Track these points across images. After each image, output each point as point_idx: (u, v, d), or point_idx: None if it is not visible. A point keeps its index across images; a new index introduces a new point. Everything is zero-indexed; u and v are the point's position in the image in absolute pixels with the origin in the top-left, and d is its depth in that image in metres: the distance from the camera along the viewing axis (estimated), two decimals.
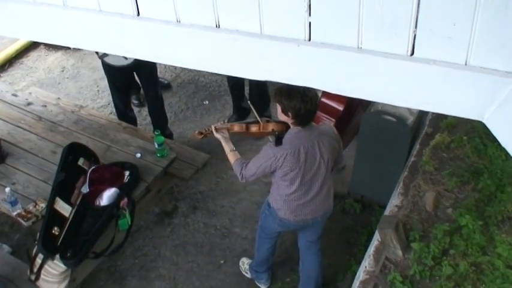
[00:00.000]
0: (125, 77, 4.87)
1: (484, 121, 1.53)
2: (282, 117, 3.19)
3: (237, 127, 3.51)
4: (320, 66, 1.65)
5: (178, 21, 1.78)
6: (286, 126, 3.26)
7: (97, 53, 4.53)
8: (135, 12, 1.83)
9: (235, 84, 5.23)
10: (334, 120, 4.21)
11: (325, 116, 4.21)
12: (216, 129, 3.48)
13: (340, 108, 4.26)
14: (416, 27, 1.49)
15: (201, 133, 3.61)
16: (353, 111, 4.40)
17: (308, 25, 1.61)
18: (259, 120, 3.44)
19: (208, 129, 3.55)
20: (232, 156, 3.45)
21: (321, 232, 3.70)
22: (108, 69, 4.81)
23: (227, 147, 3.47)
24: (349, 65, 1.60)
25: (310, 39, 1.63)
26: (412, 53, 1.53)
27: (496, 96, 1.48)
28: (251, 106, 3.65)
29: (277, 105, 3.18)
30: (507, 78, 1.44)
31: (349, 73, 1.62)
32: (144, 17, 1.83)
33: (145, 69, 4.74)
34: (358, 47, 1.58)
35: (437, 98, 1.56)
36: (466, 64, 1.49)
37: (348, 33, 1.57)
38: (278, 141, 3.19)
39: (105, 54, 4.44)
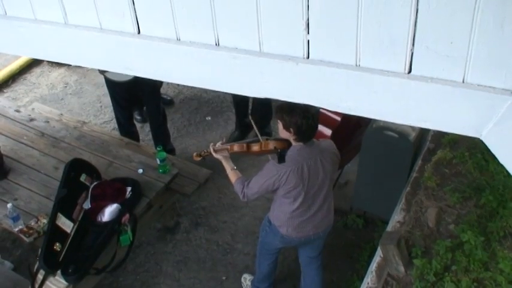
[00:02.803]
0: (127, 92, 4.89)
1: (482, 138, 1.54)
2: (284, 133, 3.19)
3: (237, 147, 3.45)
4: (318, 84, 1.66)
5: (178, 39, 1.80)
6: (288, 144, 3.25)
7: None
8: (136, 30, 1.85)
9: (241, 100, 5.24)
10: (331, 131, 4.19)
11: (323, 126, 4.17)
12: (215, 151, 3.46)
13: (338, 118, 4.24)
14: (413, 45, 1.50)
15: (199, 155, 3.57)
16: (352, 126, 4.38)
17: (307, 43, 1.62)
18: (260, 138, 3.41)
19: (207, 151, 3.52)
20: (233, 175, 3.43)
21: (322, 247, 3.69)
22: (110, 84, 4.85)
23: (228, 166, 3.45)
24: (347, 82, 1.61)
25: (308, 57, 1.64)
26: (410, 71, 1.54)
27: (493, 113, 1.48)
28: (253, 124, 3.62)
29: (279, 121, 3.17)
30: (504, 95, 1.45)
31: (347, 90, 1.63)
32: (144, 35, 1.85)
33: (147, 84, 4.76)
34: (356, 65, 1.59)
35: (435, 115, 1.56)
36: (463, 81, 1.50)
37: (346, 51, 1.58)
38: (281, 159, 3.18)
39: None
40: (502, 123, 1.47)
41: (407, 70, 1.54)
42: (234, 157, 3.55)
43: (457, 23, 1.42)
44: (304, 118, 3.05)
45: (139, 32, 1.85)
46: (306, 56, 1.64)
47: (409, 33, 1.48)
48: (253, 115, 5.24)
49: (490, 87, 1.46)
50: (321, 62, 1.63)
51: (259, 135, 3.42)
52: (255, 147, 3.41)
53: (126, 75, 4.38)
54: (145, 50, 1.86)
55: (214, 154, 3.45)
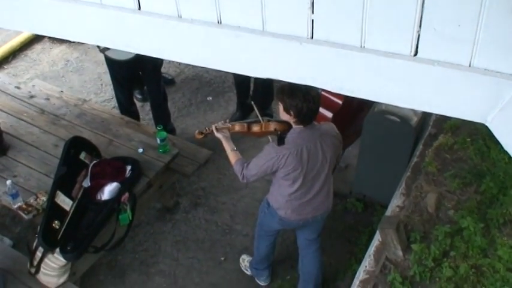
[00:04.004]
0: (127, 71, 4.85)
1: (487, 124, 1.51)
2: (284, 116, 3.16)
3: (238, 127, 3.45)
4: (322, 65, 1.63)
5: (180, 16, 1.76)
6: (288, 126, 3.22)
7: (98, 46, 4.51)
8: (136, 6, 1.82)
9: (243, 81, 5.21)
10: (331, 114, 4.15)
11: (324, 109, 4.14)
12: (217, 129, 3.44)
13: (339, 101, 4.20)
14: (420, 27, 1.47)
15: (201, 133, 3.57)
16: (354, 109, 4.35)
17: (311, 23, 1.59)
18: (261, 120, 3.40)
19: (209, 129, 3.51)
20: (233, 156, 3.41)
21: (320, 230, 3.69)
22: (110, 63, 4.80)
23: (228, 146, 3.43)
24: (351, 64, 1.59)
25: (312, 37, 1.61)
26: (416, 53, 1.51)
27: (499, 99, 1.46)
28: (254, 106, 3.60)
29: (279, 103, 3.15)
30: (511, 81, 1.42)
31: (351, 72, 1.60)
32: (145, 11, 1.81)
33: (148, 63, 4.72)
34: (361, 46, 1.56)
35: (440, 99, 1.54)
36: (470, 66, 1.47)
37: (351, 31, 1.55)
38: (280, 141, 3.16)
39: (107, 48, 4.41)
40: (507, 109, 1.45)
41: (413, 52, 1.51)
42: (235, 137, 3.53)
43: (466, 5, 1.39)
44: (305, 101, 3.02)
45: (139, 8, 1.82)
46: (310, 36, 1.61)
47: (416, 15, 1.45)
48: (254, 97, 5.22)
49: (497, 72, 1.44)
50: (325, 43, 1.60)
51: (260, 118, 3.41)
52: (256, 128, 3.40)
53: (127, 53, 4.38)
54: (145, 27, 1.83)
55: (215, 133, 3.44)
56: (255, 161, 3.27)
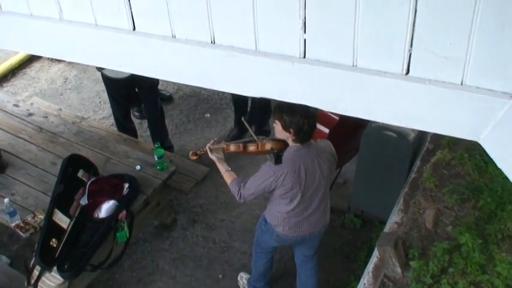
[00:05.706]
0: (124, 89, 4.87)
1: (479, 141, 1.51)
2: (282, 134, 3.13)
3: (233, 147, 3.44)
4: (315, 84, 1.64)
5: (174, 37, 1.77)
6: (285, 144, 3.20)
7: None
8: (131, 27, 1.83)
9: (240, 98, 5.22)
10: (328, 130, 4.15)
11: (321, 125, 4.13)
12: (211, 150, 3.44)
13: (336, 118, 4.20)
14: (411, 46, 1.48)
15: (195, 154, 3.57)
16: (353, 125, 4.35)
17: (303, 42, 1.60)
18: (256, 139, 3.38)
19: (203, 150, 3.51)
20: (228, 177, 3.40)
21: (317, 247, 3.67)
22: (107, 81, 4.83)
23: (222, 168, 3.43)
24: (344, 83, 1.59)
25: (305, 57, 1.62)
26: (408, 72, 1.52)
27: (492, 117, 1.46)
28: (246, 125, 3.59)
29: (277, 121, 3.12)
30: (503, 98, 1.43)
31: (343, 91, 1.61)
32: (139, 32, 1.82)
33: (144, 81, 4.74)
34: (353, 65, 1.57)
35: (432, 117, 1.54)
36: (461, 84, 1.48)
37: (343, 51, 1.56)
38: (278, 160, 3.14)
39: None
40: (500, 127, 1.45)
41: (404, 71, 1.52)
42: (233, 155, 3.52)
43: (456, 24, 1.40)
44: (305, 118, 3.00)
45: (134, 29, 1.83)
46: (302, 55, 1.62)
47: (407, 34, 1.46)
48: (251, 114, 5.23)
49: (489, 90, 1.44)
50: (318, 62, 1.60)
51: (254, 137, 3.40)
52: (252, 148, 3.38)
53: (124, 72, 4.40)
54: (140, 47, 1.84)
55: (209, 154, 3.44)
56: (252, 180, 3.25)
